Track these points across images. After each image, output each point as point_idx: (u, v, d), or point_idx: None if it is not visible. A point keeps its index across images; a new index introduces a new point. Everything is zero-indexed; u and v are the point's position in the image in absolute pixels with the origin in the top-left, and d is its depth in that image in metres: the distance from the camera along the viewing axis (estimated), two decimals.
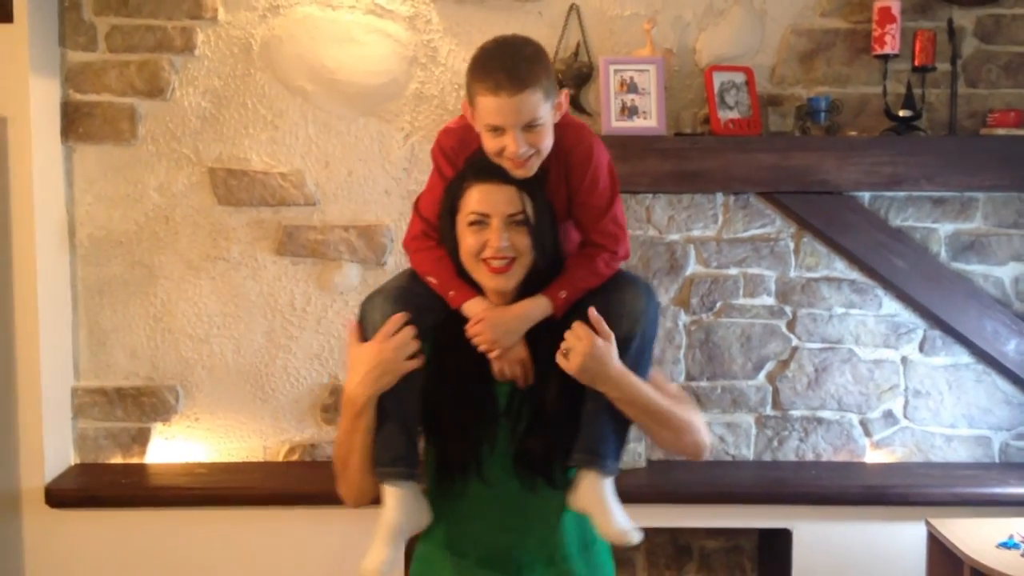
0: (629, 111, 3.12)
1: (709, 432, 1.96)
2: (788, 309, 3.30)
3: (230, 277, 3.28)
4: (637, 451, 3.22)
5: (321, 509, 3.08)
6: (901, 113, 3.14)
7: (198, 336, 3.29)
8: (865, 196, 3.23)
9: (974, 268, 3.27)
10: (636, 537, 1.83)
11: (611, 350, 1.83)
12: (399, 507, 1.86)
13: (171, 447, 3.29)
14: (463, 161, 1.90)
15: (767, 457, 3.33)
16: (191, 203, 3.26)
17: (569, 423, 1.90)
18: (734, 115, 3.14)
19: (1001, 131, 3.13)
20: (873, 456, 3.31)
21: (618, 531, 1.82)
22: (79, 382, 3.27)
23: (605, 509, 1.84)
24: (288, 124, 3.25)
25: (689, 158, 3.11)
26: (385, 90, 3.24)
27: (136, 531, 3.09)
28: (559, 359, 1.85)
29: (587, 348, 1.81)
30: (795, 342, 3.30)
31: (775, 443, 3.32)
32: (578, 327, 1.85)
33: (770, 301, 3.30)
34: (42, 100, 3.09)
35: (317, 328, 3.29)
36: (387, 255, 3.28)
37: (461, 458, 1.91)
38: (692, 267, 3.30)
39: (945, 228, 3.27)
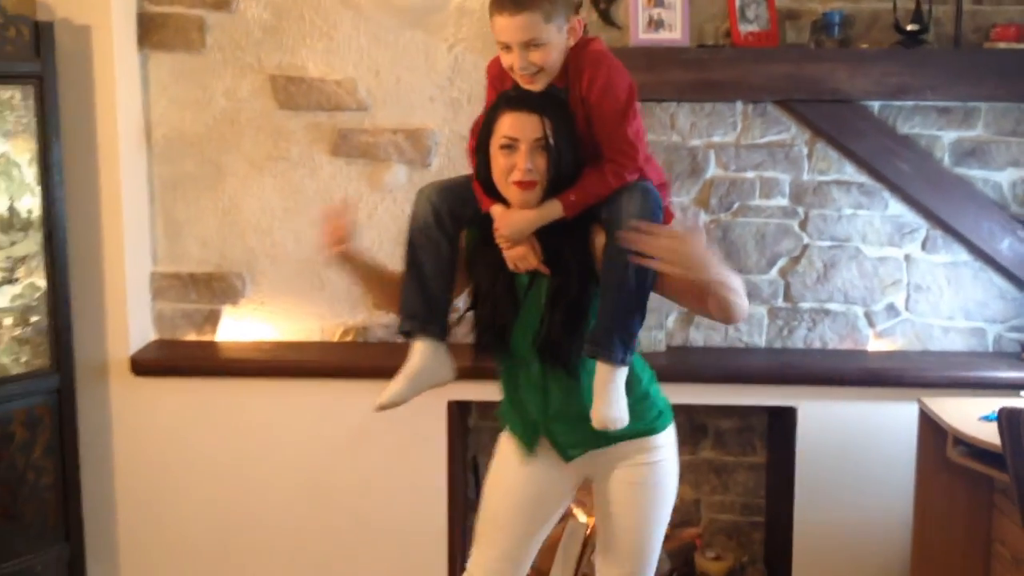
0: (655, 24, 3.36)
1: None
2: (800, 210, 3.56)
3: (290, 175, 3.60)
4: (657, 337, 3.54)
5: (372, 382, 3.37)
6: (909, 27, 3.32)
7: (262, 228, 3.62)
8: (875, 105, 3.46)
9: (975, 173, 3.50)
10: (619, 425, 2.14)
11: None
12: (419, 357, 2.28)
13: (239, 327, 3.65)
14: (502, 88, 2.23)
15: (777, 345, 3.63)
16: (254, 107, 3.57)
17: (584, 316, 2.20)
18: (753, 28, 3.38)
19: (1003, 45, 3.31)
20: (876, 345, 3.59)
21: (602, 417, 2.14)
22: (157, 268, 3.64)
23: (603, 395, 2.15)
24: (342, 35, 3.53)
25: (711, 68, 3.35)
26: (431, 3, 3.50)
27: (210, 397, 3.47)
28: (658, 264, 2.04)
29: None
30: (806, 240, 3.57)
31: (785, 332, 3.62)
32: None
33: (784, 202, 3.57)
34: (121, 11, 3.38)
35: (368, 223, 3.60)
36: (432, 156, 3.58)
37: (490, 335, 2.28)
38: (712, 170, 3.57)
39: (948, 135, 3.49)
